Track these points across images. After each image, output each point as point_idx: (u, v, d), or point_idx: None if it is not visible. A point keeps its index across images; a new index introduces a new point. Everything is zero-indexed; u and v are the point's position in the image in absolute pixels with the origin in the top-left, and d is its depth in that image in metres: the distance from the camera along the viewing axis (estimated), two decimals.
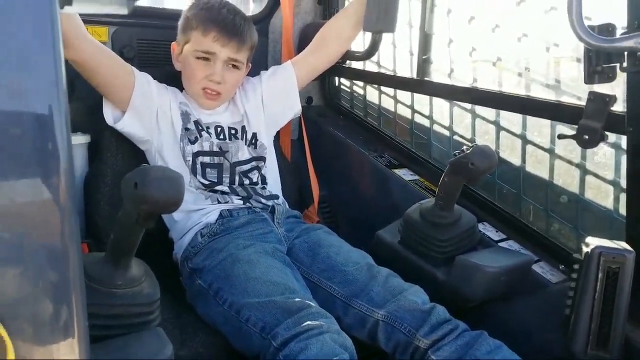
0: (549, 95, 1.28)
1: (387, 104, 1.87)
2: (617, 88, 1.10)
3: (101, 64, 1.36)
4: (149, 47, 1.74)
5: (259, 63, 1.91)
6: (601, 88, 1.11)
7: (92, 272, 0.86)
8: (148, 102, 1.45)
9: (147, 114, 1.46)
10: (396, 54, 1.79)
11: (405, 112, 1.79)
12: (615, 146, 1.18)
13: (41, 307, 0.47)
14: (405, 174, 1.71)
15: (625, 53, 1.04)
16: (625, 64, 1.05)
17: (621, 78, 1.07)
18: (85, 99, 1.52)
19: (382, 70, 1.84)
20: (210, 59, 1.45)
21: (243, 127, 1.58)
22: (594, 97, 1.12)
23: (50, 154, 0.48)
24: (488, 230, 1.44)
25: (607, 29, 1.06)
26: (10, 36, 0.47)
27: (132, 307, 0.88)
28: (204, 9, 1.46)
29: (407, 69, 1.72)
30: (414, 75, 1.66)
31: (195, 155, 1.47)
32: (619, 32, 1.05)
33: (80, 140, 1.57)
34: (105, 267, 0.88)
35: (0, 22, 0.46)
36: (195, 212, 1.43)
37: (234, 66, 1.49)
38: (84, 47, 1.31)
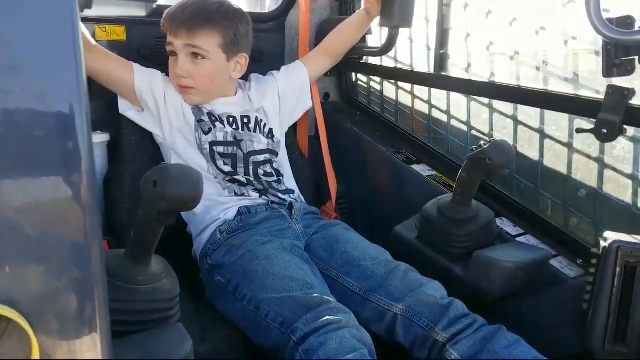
0: (567, 89, 1.26)
1: (405, 99, 1.86)
2: (635, 81, 1.09)
3: (103, 68, 1.44)
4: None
5: (277, 59, 1.92)
6: (620, 81, 1.10)
7: (113, 268, 0.89)
8: (152, 95, 1.49)
9: (153, 107, 1.50)
10: (413, 49, 1.78)
11: (423, 108, 1.78)
12: (635, 140, 1.16)
13: (65, 303, 0.49)
14: (422, 170, 1.70)
15: None
16: None
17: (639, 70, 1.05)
18: (103, 98, 1.55)
19: (399, 66, 1.84)
20: (175, 53, 1.48)
21: (257, 118, 1.60)
22: (612, 90, 1.11)
23: (72, 154, 0.50)
24: (506, 225, 1.44)
25: (625, 22, 1.05)
26: (32, 39, 0.49)
27: (152, 303, 0.90)
28: (170, 8, 1.49)
29: (424, 64, 1.71)
30: (432, 70, 1.65)
31: (211, 144, 1.51)
32: (637, 25, 1.04)
33: (100, 139, 1.60)
34: (126, 264, 0.90)
35: (21, 26, 0.48)
36: (214, 208, 1.46)
37: (198, 55, 1.46)
38: (90, 55, 1.37)
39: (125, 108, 1.53)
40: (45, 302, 0.50)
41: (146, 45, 1.71)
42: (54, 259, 0.50)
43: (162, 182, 0.80)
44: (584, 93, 1.22)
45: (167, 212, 0.83)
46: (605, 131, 1.12)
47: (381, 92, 1.97)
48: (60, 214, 0.50)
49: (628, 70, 1.07)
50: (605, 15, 1.02)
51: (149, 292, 0.90)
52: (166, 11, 1.49)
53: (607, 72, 1.08)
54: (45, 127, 0.49)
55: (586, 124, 1.20)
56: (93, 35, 1.63)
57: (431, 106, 1.74)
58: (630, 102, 1.09)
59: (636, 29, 1.03)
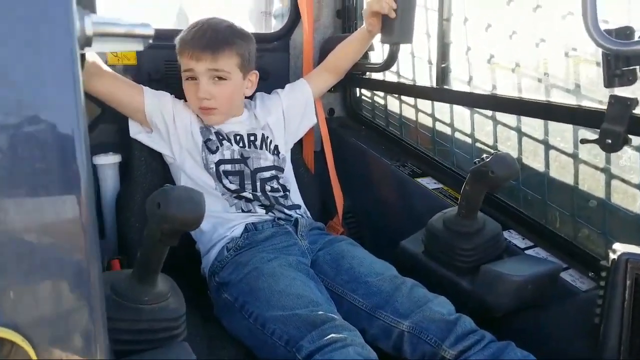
0: (570, 100, 1.26)
1: (408, 113, 1.87)
2: (638, 91, 1.08)
3: (114, 92, 1.48)
4: (175, 68, 1.80)
5: (282, 77, 1.95)
6: (622, 91, 1.09)
7: (119, 288, 0.90)
8: (161, 117, 1.53)
9: (163, 128, 1.54)
10: (415, 64, 1.79)
11: (427, 121, 1.79)
12: None
13: (65, 325, 0.50)
14: (428, 183, 1.70)
15: None
16: None
17: None
18: (115, 121, 1.60)
19: (402, 80, 1.85)
20: (195, 77, 1.50)
21: (263, 135, 1.62)
22: (614, 100, 1.10)
23: (72, 178, 0.51)
24: (514, 237, 1.42)
25: (624, 32, 1.05)
26: (34, 71, 0.50)
27: (158, 322, 0.91)
28: (182, 33, 1.53)
29: (426, 78, 1.72)
30: (434, 84, 1.66)
31: (218, 164, 1.53)
32: (637, 35, 1.04)
33: (111, 160, 1.64)
34: (132, 284, 0.91)
35: (25, 58, 0.50)
36: (221, 225, 1.47)
37: (220, 78, 1.51)
38: (102, 80, 1.43)
39: (135, 131, 1.56)
40: (47, 325, 0.51)
41: (156, 68, 1.75)
42: (55, 281, 0.51)
43: (165, 203, 0.81)
44: (586, 104, 1.22)
45: (170, 233, 0.84)
46: (609, 141, 1.11)
47: (385, 106, 1.98)
48: (60, 237, 0.51)
49: (630, 80, 1.07)
50: (603, 27, 1.03)
51: (155, 311, 0.91)
52: (181, 37, 1.52)
53: (609, 82, 1.07)
54: (45, 147, 0.51)
55: (591, 134, 1.20)
56: (105, 61, 1.67)
57: (435, 119, 1.75)
58: (633, 111, 1.08)
59: (636, 39, 1.03)
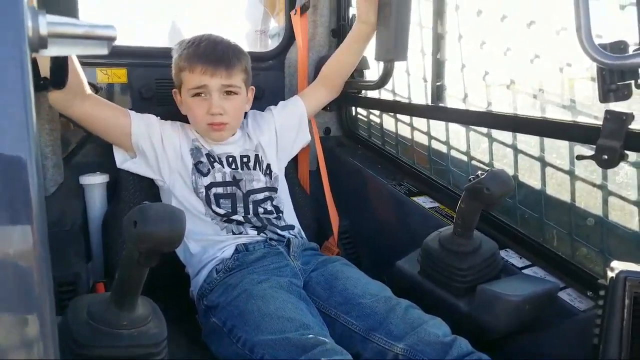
0: (565, 116, 1.24)
1: (404, 131, 1.85)
2: (634, 105, 1.06)
3: (97, 116, 1.44)
4: (167, 86, 1.78)
5: (277, 96, 1.95)
6: (618, 106, 1.07)
7: (96, 312, 0.86)
8: (149, 142, 1.50)
9: (151, 153, 1.50)
10: (410, 82, 1.78)
11: (423, 139, 1.77)
12: (637, 165, 1.12)
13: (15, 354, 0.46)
14: (425, 202, 1.68)
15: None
16: None
17: (638, 95, 1.03)
18: (102, 140, 1.56)
19: (398, 98, 1.83)
20: (204, 93, 1.48)
21: (257, 156, 1.60)
22: (610, 115, 1.08)
23: (21, 200, 0.47)
24: (511, 257, 1.39)
25: (619, 47, 1.03)
26: None
27: (137, 348, 0.87)
28: (186, 48, 1.50)
29: (422, 96, 1.71)
30: (429, 102, 1.64)
31: (208, 187, 1.49)
32: (631, 49, 1.02)
33: (99, 180, 1.61)
34: (110, 307, 0.87)
35: None
36: (211, 247, 1.43)
37: (231, 92, 1.50)
38: (84, 103, 1.39)
39: (121, 160, 1.52)
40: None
41: (147, 87, 1.74)
42: (3, 316, 0.47)
43: (142, 221, 0.78)
44: (582, 119, 1.20)
45: (148, 253, 0.81)
46: (605, 157, 1.09)
47: (381, 125, 1.96)
48: (11, 270, 0.47)
49: (625, 94, 1.05)
50: (597, 41, 1.01)
51: (134, 336, 0.87)
52: (187, 53, 1.47)
53: (604, 97, 1.06)
54: None
55: (587, 150, 1.17)
56: (95, 78, 1.66)
57: (430, 137, 1.73)
58: (629, 127, 1.06)
59: (630, 53, 1.02)
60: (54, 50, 0.49)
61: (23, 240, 0.46)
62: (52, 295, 0.49)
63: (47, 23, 0.48)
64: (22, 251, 0.46)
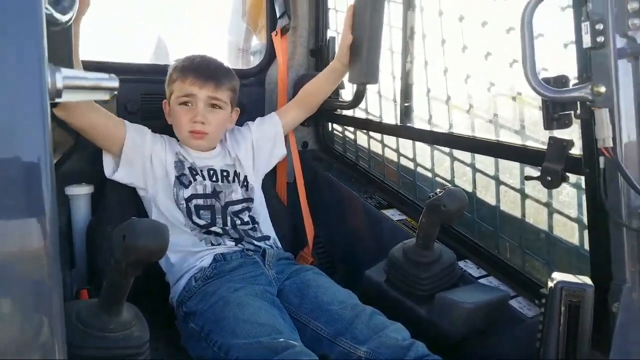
0: (516, 140, 1.37)
1: (376, 147, 1.97)
2: (574, 133, 1.18)
3: (95, 123, 1.52)
4: (151, 101, 1.84)
5: (257, 111, 2.03)
6: (560, 133, 1.19)
7: (85, 317, 0.95)
8: (140, 153, 1.58)
9: (140, 164, 1.59)
10: (382, 102, 1.89)
11: (392, 155, 1.88)
12: (577, 186, 1.25)
13: (24, 350, 0.55)
14: (393, 214, 1.79)
15: (578, 102, 1.13)
16: (578, 112, 1.14)
17: (577, 124, 1.15)
18: (88, 151, 1.63)
19: (370, 117, 1.95)
20: (191, 102, 1.60)
21: (235, 171, 1.70)
22: (553, 141, 1.21)
23: (36, 204, 0.57)
24: (469, 267, 1.51)
25: (561, 81, 1.15)
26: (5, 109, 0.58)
27: (122, 350, 0.96)
28: (181, 63, 1.64)
29: (392, 116, 1.82)
30: (398, 122, 1.76)
31: (188, 199, 1.59)
32: (571, 83, 1.14)
33: (84, 191, 1.67)
34: (98, 313, 0.96)
35: (3, 106, 0.57)
36: (190, 256, 1.52)
37: (215, 106, 1.62)
38: (84, 113, 1.47)
39: (110, 172, 1.58)
40: (6, 350, 0.57)
41: (133, 101, 1.80)
42: (17, 307, 0.56)
43: (130, 235, 0.88)
44: (530, 143, 1.32)
45: (135, 264, 0.90)
46: (549, 178, 1.21)
47: (355, 141, 2.07)
48: (24, 264, 0.57)
49: (566, 123, 1.17)
50: (542, 75, 1.13)
51: (119, 339, 0.96)
52: (182, 66, 1.62)
53: (548, 125, 1.17)
54: (11, 178, 0.57)
55: (536, 171, 1.29)
56: None
57: (399, 154, 1.84)
58: (570, 152, 1.18)
59: (570, 87, 1.14)
60: (66, 97, 0.60)
61: (36, 239, 0.56)
62: (62, 290, 0.58)
63: (63, 77, 0.59)
64: (35, 250, 0.56)
